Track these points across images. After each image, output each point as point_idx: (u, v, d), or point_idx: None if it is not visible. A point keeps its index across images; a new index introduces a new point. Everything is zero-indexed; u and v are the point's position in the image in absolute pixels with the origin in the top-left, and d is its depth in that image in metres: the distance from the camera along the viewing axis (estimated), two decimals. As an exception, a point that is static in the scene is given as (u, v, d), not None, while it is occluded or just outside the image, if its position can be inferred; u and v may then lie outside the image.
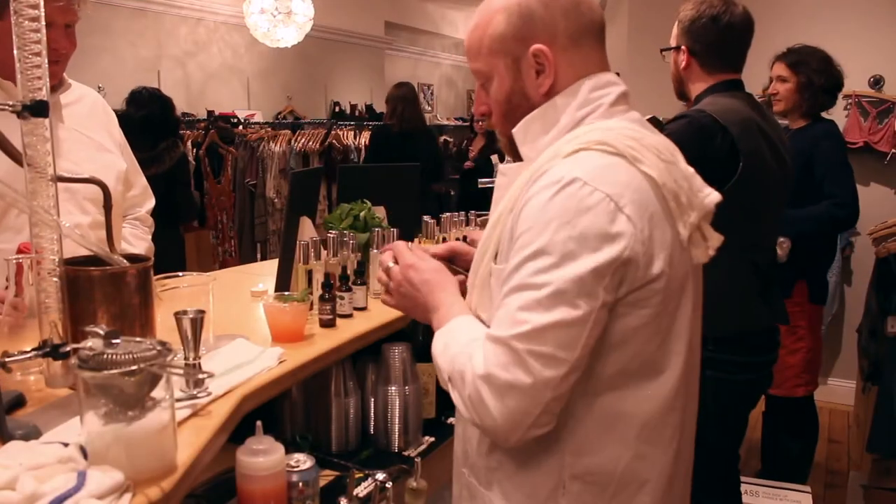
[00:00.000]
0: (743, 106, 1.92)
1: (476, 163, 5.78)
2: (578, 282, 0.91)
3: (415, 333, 1.69)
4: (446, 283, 1.14)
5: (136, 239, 1.89)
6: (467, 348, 0.99)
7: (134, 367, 0.82)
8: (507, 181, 1.08)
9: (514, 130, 1.08)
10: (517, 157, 1.11)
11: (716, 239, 1.02)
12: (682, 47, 1.99)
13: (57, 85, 1.65)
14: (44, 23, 1.07)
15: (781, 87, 2.88)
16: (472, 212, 2.61)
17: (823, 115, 2.97)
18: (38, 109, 1.06)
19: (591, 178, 0.93)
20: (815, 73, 2.82)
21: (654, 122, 3.70)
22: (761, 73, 3.01)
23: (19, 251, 1.25)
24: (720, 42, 1.96)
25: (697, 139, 1.80)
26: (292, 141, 5.17)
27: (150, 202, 1.98)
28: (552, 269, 0.91)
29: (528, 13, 1.04)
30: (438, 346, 1.07)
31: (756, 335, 1.92)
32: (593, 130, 1.00)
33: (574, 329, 0.92)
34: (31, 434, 0.92)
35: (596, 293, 0.92)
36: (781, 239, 2.75)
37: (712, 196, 1.03)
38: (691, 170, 1.03)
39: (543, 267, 0.92)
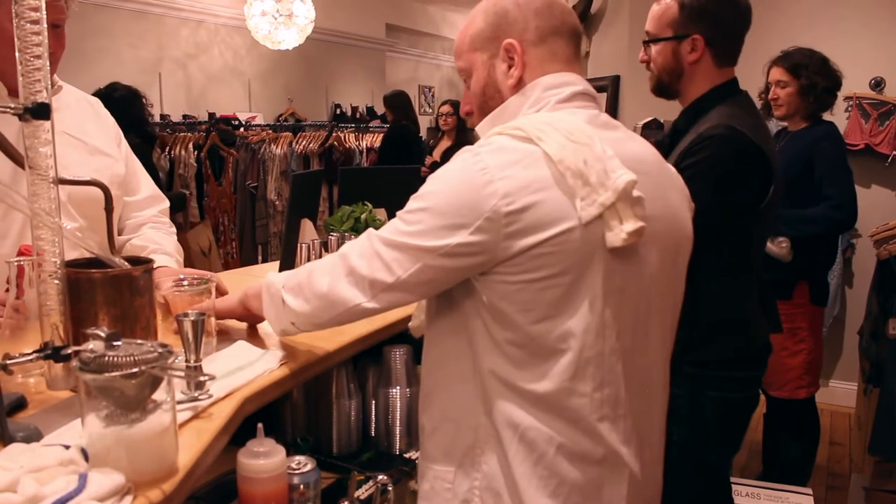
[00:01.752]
0: (759, 119, 1.78)
1: (439, 164, 5.83)
2: (432, 230, 1.04)
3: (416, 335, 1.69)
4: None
5: (163, 238, 1.84)
6: (316, 263, 1.20)
7: (135, 370, 0.81)
8: None
9: (478, 126, 1.20)
10: None
11: (631, 224, 1.02)
12: (695, 36, 1.72)
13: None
14: (45, 25, 1.07)
15: (782, 92, 2.87)
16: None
17: (825, 116, 2.98)
18: (39, 112, 1.06)
19: (485, 153, 1.04)
20: (816, 75, 2.81)
21: (655, 124, 3.70)
22: (761, 76, 3.01)
23: (20, 253, 1.25)
24: (740, 29, 1.76)
25: (736, 162, 1.64)
26: (293, 143, 5.17)
27: (158, 206, 1.92)
28: (421, 211, 1.06)
29: (503, 11, 1.16)
30: (273, 275, 1.26)
31: (757, 350, 1.83)
32: (520, 119, 1.10)
33: (412, 255, 1.06)
34: (32, 436, 0.92)
35: (443, 244, 1.03)
36: (780, 239, 2.75)
37: (624, 176, 1.02)
38: (610, 152, 1.04)
39: (417, 208, 1.07)
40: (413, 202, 1.09)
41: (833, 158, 2.84)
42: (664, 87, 1.84)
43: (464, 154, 1.06)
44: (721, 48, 1.75)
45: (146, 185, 1.90)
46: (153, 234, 1.83)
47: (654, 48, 1.80)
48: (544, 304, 1.03)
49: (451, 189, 1.04)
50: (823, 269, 3.08)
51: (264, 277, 1.27)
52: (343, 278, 1.12)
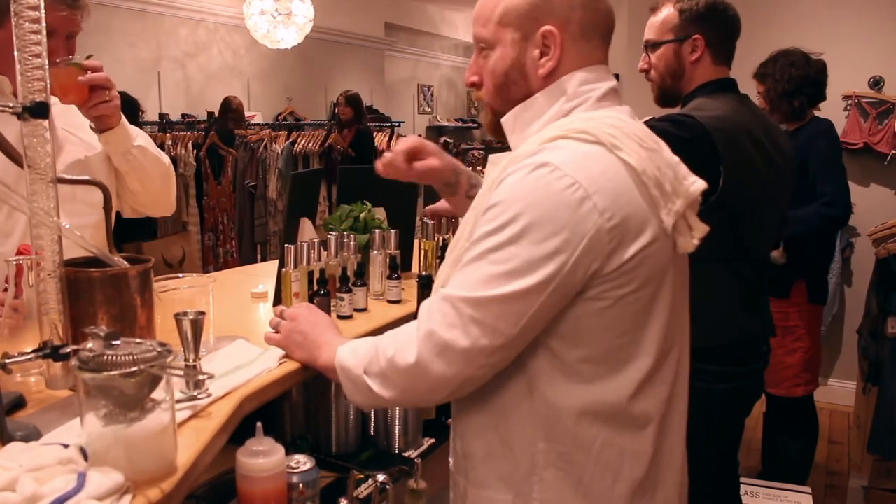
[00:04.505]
0: (735, 110, 1.84)
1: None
2: (532, 262, 0.93)
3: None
4: (317, 317, 1.26)
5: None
6: (382, 339, 1.05)
7: (134, 369, 0.81)
8: (494, 169, 1.08)
9: (503, 119, 1.11)
10: (498, 135, 1.14)
11: (700, 229, 1.02)
12: (696, 36, 1.86)
13: None
14: (44, 24, 1.07)
15: (761, 101, 2.95)
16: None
17: (820, 114, 2.99)
18: (38, 111, 1.06)
19: (564, 164, 0.94)
20: (774, 82, 2.89)
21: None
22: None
23: (19, 252, 1.24)
24: (732, 33, 1.92)
25: (676, 142, 1.74)
26: (295, 142, 5.17)
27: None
28: (510, 244, 0.94)
29: None
30: (345, 354, 1.11)
31: (739, 346, 1.85)
32: (575, 120, 1.02)
33: (518, 306, 0.95)
34: (32, 435, 0.92)
35: (549, 276, 0.93)
36: None
37: (697, 183, 1.02)
38: (676, 158, 1.03)
39: (502, 242, 0.95)
40: (493, 236, 0.96)
41: (826, 155, 2.86)
42: (667, 92, 1.95)
43: (534, 168, 0.95)
44: (717, 48, 1.89)
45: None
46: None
47: (655, 53, 1.92)
48: (628, 318, 0.99)
49: (540, 211, 0.93)
50: (821, 267, 3.08)
51: (335, 353, 1.13)
52: (436, 358, 0.98)
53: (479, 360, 0.97)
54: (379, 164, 1.38)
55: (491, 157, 1.14)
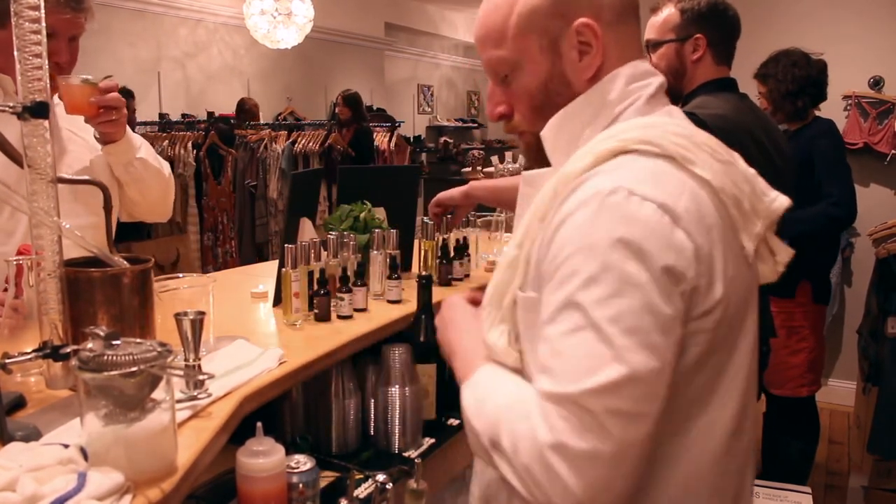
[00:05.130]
0: (736, 110, 1.86)
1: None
2: (649, 310, 0.75)
3: (415, 334, 1.69)
4: (470, 325, 0.98)
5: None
6: (514, 409, 0.80)
7: (134, 369, 0.81)
8: (532, 192, 0.93)
9: (542, 133, 0.92)
10: (538, 163, 0.97)
11: (785, 253, 0.90)
12: (698, 36, 1.90)
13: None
14: (44, 24, 1.07)
15: (762, 101, 2.96)
16: (473, 212, 2.61)
17: (820, 114, 2.99)
18: (38, 110, 1.06)
19: (637, 185, 0.77)
20: (778, 82, 2.90)
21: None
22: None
23: (19, 252, 1.24)
24: (733, 33, 1.95)
25: None
26: (295, 142, 5.17)
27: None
28: (612, 298, 0.74)
29: None
30: (469, 401, 0.88)
31: None
32: (632, 128, 0.85)
33: (654, 371, 0.75)
34: (32, 435, 0.92)
35: (670, 322, 0.76)
36: None
37: (780, 200, 0.89)
38: (752, 170, 0.90)
39: (600, 298, 0.75)
40: (584, 295, 0.75)
41: (830, 155, 2.86)
42: (668, 92, 1.94)
43: (604, 197, 0.77)
44: (719, 48, 1.92)
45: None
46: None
47: (656, 53, 1.95)
48: (710, 365, 0.84)
49: (632, 248, 0.75)
50: (825, 267, 3.09)
51: (468, 374, 0.92)
52: (576, 475, 0.74)
53: (631, 456, 0.76)
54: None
55: (525, 175, 0.99)
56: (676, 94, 1.95)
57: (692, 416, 0.84)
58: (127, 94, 4.24)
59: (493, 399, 0.85)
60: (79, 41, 1.61)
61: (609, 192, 0.77)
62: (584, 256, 0.76)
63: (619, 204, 0.77)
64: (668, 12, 1.93)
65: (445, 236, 1.99)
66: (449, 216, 1.99)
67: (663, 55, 1.94)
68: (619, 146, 0.83)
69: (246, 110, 5.71)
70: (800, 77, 2.87)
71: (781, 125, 3.08)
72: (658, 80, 0.93)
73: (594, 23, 0.87)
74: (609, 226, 0.76)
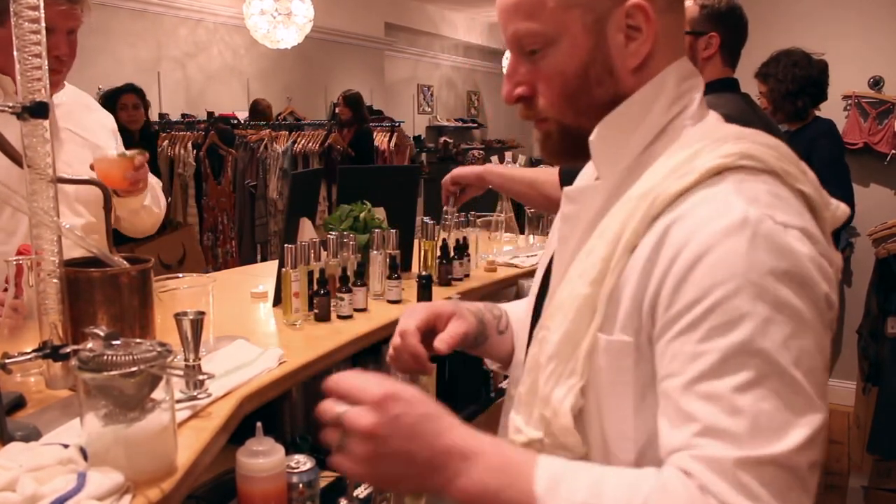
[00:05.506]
0: (741, 110, 1.87)
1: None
2: (820, 349, 0.69)
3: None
4: (443, 411, 0.74)
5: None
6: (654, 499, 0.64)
7: (134, 369, 0.81)
8: (577, 210, 0.84)
9: (591, 140, 0.81)
10: (560, 158, 0.88)
11: (839, 259, 0.80)
12: (713, 34, 1.91)
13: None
14: (43, 24, 1.07)
15: (763, 100, 2.97)
16: (473, 212, 2.60)
17: (820, 114, 3.00)
18: (37, 111, 1.06)
19: (775, 211, 0.69)
20: (777, 82, 2.91)
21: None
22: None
23: (19, 252, 1.24)
24: (743, 37, 1.97)
25: None
26: (295, 142, 5.17)
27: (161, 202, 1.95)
28: (791, 340, 0.66)
29: None
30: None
31: None
32: (720, 140, 0.76)
33: (824, 410, 0.69)
34: (32, 435, 0.92)
35: (828, 359, 0.71)
36: None
37: (842, 209, 0.84)
38: (815, 178, 0.83)
39: (783, 340, 0.66)
40: (759, 338, 0.65)
41: (829, 156, 2.87)
42: None
43: (754, 225, 0.68)
44: (729, 50, 1.94)
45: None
46: None
47: None
48: None
49: (797, 281, 0.67)
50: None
51: (487, 472, 0.70)
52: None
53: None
54: (389, 359, 1.00)
55: (568, 191, 0.87)
56: None
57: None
58: (139, 93, 4.25)
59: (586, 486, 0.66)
60: (77, 35, 1.60)
61: (759, 220, 0.68)
62: (750, 296, 0.66)
63: (772, 233, 0.68)
64: (686, 5, 1.96)
65: (446, 236, 1.99)
66: (459, 193, 1.99)
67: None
68: (723, 163, 0.73)
69: (260, 111, 5.81)
70: (800, 77, 2.88)
71: (781, 125, 3.08)
72: (700, 79, 0.84)
73: (648, 5, 0.77)
74: (769, 259, 0.67)
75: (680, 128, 0.79)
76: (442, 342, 0.97)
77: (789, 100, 2.90)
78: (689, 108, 0.80)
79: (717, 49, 1.91)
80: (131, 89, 4.07)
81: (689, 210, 0.71)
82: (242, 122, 5.58)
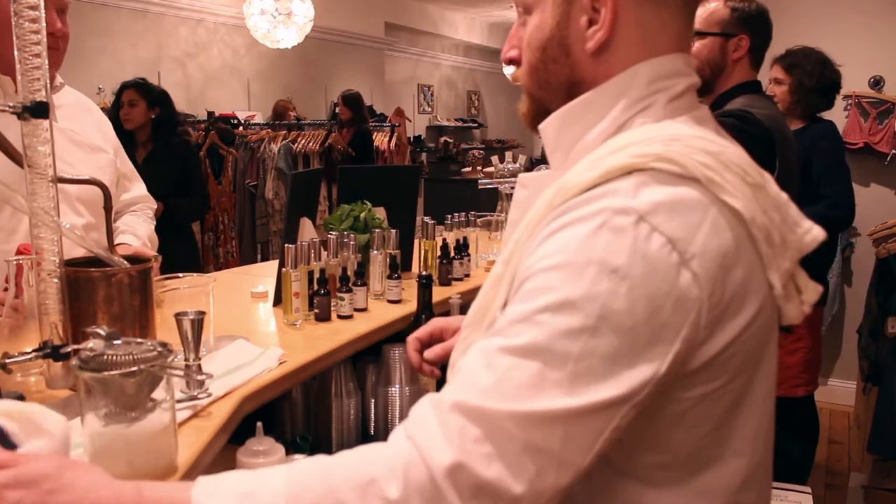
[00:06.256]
0: (777, 113, 1.94)
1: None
2: (619, 361, 0.64)
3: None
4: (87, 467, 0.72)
5: (138, 223, 1.86)
6: (327, 476, 0.68)
7: (134, 369, 0.81)
8: (528, 195, 0.84)
9: (542, 129, 0.82)
10: (532, 127, 0.87)
11: (813, 291, 0.78)
12: (743, 36, 1.96)
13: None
14: (44, 24, 1.07)
15: (778, 90, 2.93)
16: (473, 212, 2.61)
17: (821, 114, 2.99)
18: (38, 111, 1.06)
19: (652, 212, 0.66)
20: (807, 76, 2.88)
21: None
22: (761, 74, 3.02)
23: (19, 252, 1.24)
24: (769, 40, 2.03)
25: (745, 140, 1.75)
26: (295, 142, 5.17)
27: (148, 203, 1.97)
28: (582, 334, 0.64)
29: None
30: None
31: None
32: (650, 140, 0.72)
33: (597, 422, 0.65)
34: (32, 435, 0.92)
35: (643, 381, 0.65)
36: None
37: (814, 232, 0.78)
38: (784, 195, 0.78)
39: (569, 328, 0.64)
40: (551, 318, 0.64)
41: (831, 157, 2.86)
42: (703, 82, 2.04)
43: (609, 216, 0.66)
44: (756, 53, 2.00)
45: (137, 186, 1.95)
46: (129, 218, 1.88)
47: (699, 43, 2.01)
48: (717, 415, 0.72)
49: (629, 285, 0.64)
50: (822, 267, 3.09)
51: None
52: None
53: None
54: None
55: (522, 177, 0.88)
56: (706, 88, 1.99)
57: (694, 472, 0.73)
58: (141, 88, 3.66)
59: (320, 479, 0.68)
60: (67, 16, 1.60)
61: (617, 212, 0.66)
62: (566, 274, 0.65)
63: (625, 228, 0.65)
64: (716, 6, 1.98)
65: (446, 236, 1.99)
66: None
67: (706, 45, 1.97)
68: (634, 162, 0.69)
69: (278, 112, 6.04)
70: (828, 78, 2.89)
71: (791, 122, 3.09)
72: (688, 80, 0.79)
73: None
74: (607, 250, 0.64)
75: (638, 125, 0.76)
76: (430, 352, 1.05)
77: (813, 94, 2.89)
78: (652, 107, 0.76)
79: (746, 51, 1.95)
80: (132, 84, 3.67)
81: (578, 202, 0.70)
82: (243, 122, 5.58)
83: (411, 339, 1.06)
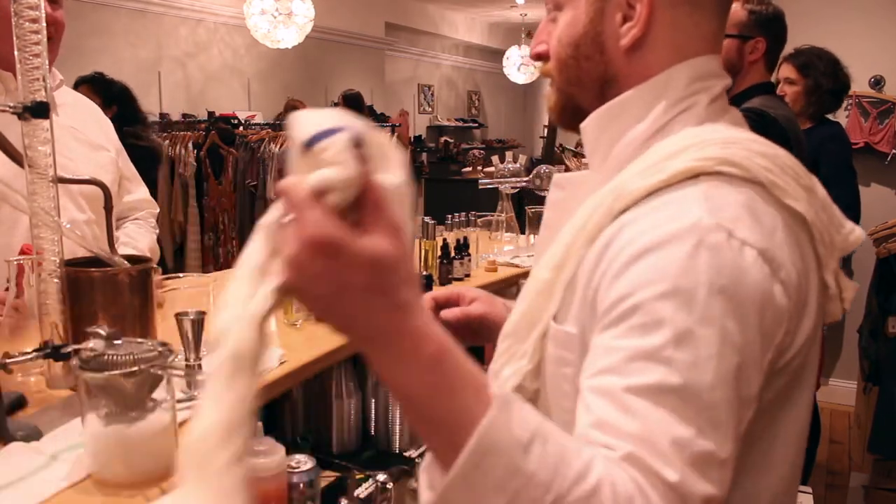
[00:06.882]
0: (789, 111, 1.98)
1: None
2: (740, 377, 0.63)
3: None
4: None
5: (140, 234, 1.86)
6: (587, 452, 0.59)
7: (135, 369, 0.82)
8: (565, 197, 0.82)
9: (584, 128, 0.81)
10: (565, 124, 0.86)
11: (851, 288, 0.78)
12: (760, 39, 2.00)
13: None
14: (44, 24, 1.07)
15: (789, 90, 2.89)
16: (473, 212, 2.61)
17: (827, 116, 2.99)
18: (38, 111, 1.06)
19: (736, 226, 0.65)
20: (823, 77, 2.85)
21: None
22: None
23: (21, 252, 1.25)
24: (784, 42, 2.08)
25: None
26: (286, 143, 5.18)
27: (150, 208, 1.96)
28: (711, 359, 0.62)
29: None
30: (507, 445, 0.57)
31: None
32: (706, 142, 0.71)
33: (736, 430, 0.64)
34: (32, 435, 0.92)
35: (754, 391, 0.65)
36: None
37: (856, 233, 0.79)
38: (828, 196, 0.79)
39: (696, 359, 0.62)
40: (671, 349, 0.61)
41: (839, 159, 2.85)
42: None
43: (702, 234, 0.64)
44: (771, 56, 2.05)
45: (141, 188, 1.94)
46: (131, 228, 1.87)
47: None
48: (767, 419, 0.71)
49: (736, 302, 0.63)
50: (823, 268, 3.09)
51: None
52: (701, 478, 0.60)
53: None
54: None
55: (557, 178, 0.87)
56: None
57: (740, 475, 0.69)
58: (97, 83, 3.57)
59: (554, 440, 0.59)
60: (62, 6, 1.59)
61: (710, 230, 0.64)
62: (677, 303, 0.62)
63: (721, 247, 0.63)
64: (734, 8, 2.01)
65: (446, 236, 1.99)
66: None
67: (725, 46, 2.04)
68: (698, 166, 0.68)
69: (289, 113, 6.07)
70: (841, 81, 2.88)
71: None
72: (724, 81, 0.79)
73: None
74: (710, 273, 0.63)
75: (680, 127, 0.75)
76: (448, 312, 1.00)
77: (827, 97, 2.89)
78: (694, 108, 0.76)
79: (762, 54, 1.99)
80: (88, 80, 3.41)
81: (649, 210, 0.68)
82: (243, 122, 5.59)
83: (427, 296, 0.98)
